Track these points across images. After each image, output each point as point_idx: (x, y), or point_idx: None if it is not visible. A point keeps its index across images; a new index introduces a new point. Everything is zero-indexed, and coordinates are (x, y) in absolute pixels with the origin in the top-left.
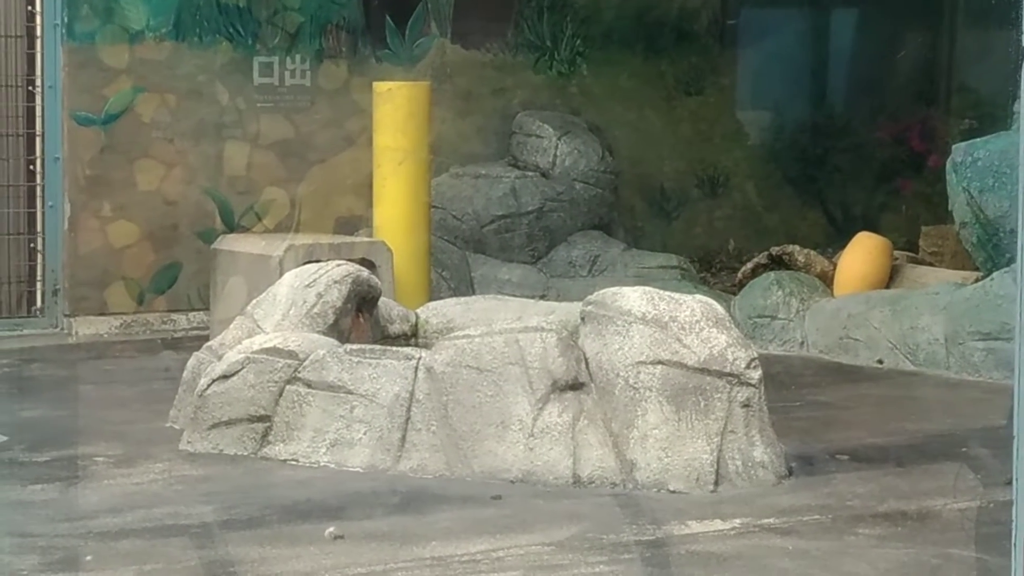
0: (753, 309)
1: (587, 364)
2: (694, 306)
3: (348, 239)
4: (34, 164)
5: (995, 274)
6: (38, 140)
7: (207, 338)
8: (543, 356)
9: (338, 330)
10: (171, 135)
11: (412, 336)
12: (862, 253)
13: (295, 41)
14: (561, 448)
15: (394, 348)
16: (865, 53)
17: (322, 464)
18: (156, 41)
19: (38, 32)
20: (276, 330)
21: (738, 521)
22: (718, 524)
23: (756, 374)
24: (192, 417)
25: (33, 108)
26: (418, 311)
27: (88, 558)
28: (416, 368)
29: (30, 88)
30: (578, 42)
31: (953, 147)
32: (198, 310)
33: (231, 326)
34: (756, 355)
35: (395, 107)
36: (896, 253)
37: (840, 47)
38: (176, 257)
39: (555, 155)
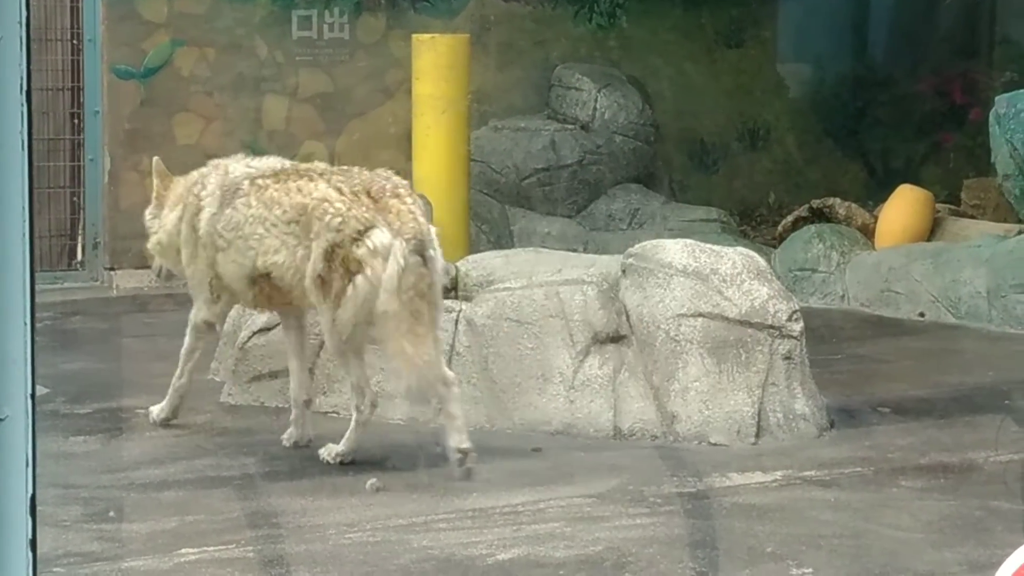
0: (794, 262)
1: (628, 317)
2: (735, 258)
3: None
4: (77, 117)
5: None
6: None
7: None
8: (584, 308)
9: None
10: (210, 89)
11: (452, 289)
12: (904, 206)
13: None
14: (602, 400)
15: None
16: (906, 5)
17: None
18: None
19: None
20: None
21: (779, 473)
22: (759, 476)
23: (798, 326)
24: (233, 370)
25: (77, 61)
26: (458, 264)
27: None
28: (457, 321)
29: (74, 42)
30: None
31: (996, 99)
32: None
33: None
34: (798, 307)
35: (437, 55)
36: (938, 206)
37: None
38: None
39: (595, 108)
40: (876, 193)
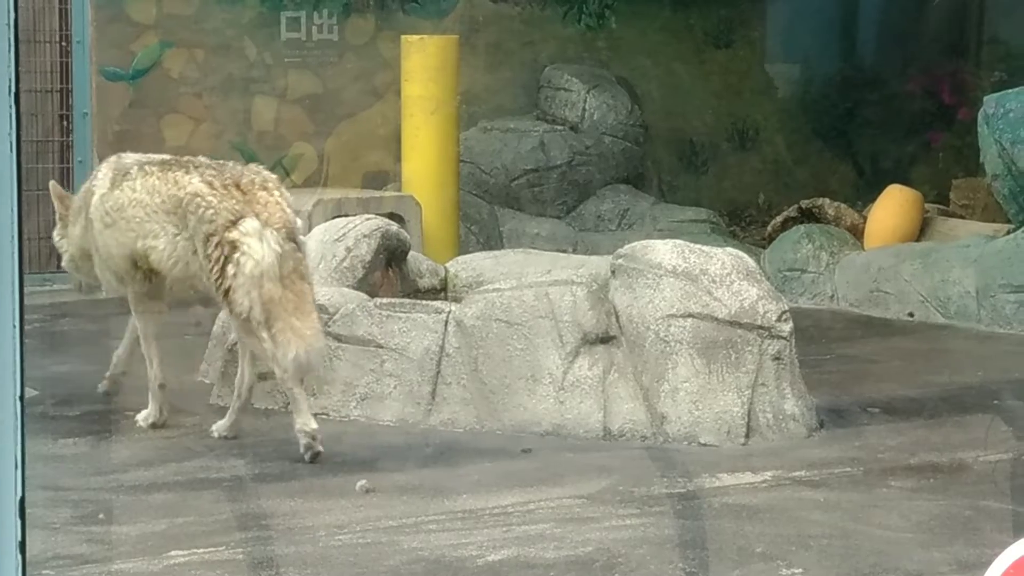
0: (783, 262)
1: (617, 317)
2: (725, 259)
3: (377, 193)
4: (66, 119)
5: None
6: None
7: None
8: (573, 309)
9: (367, 284)
10: (199, 90)
11: (441, 290)
12: (893, 206)
13: None
14: (591, 401)
15: (424, 302)
16: (895, 5)
17: (353, 418)
18: None
19: None
20: None
21: (769, 474)
22: (749, 477)
23: (787, 327)
24: (222, 371)
25: (66, 63)
26: (447, 265)
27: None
28: (446, 322)
29: (62, 43)
30: None
31: (984, 99)
32: None
33: None
34: (787, 308)
35: (426, 56)
36: (927, 206)
37: None
38: None
39: (584, 108)
40: (865, 193)
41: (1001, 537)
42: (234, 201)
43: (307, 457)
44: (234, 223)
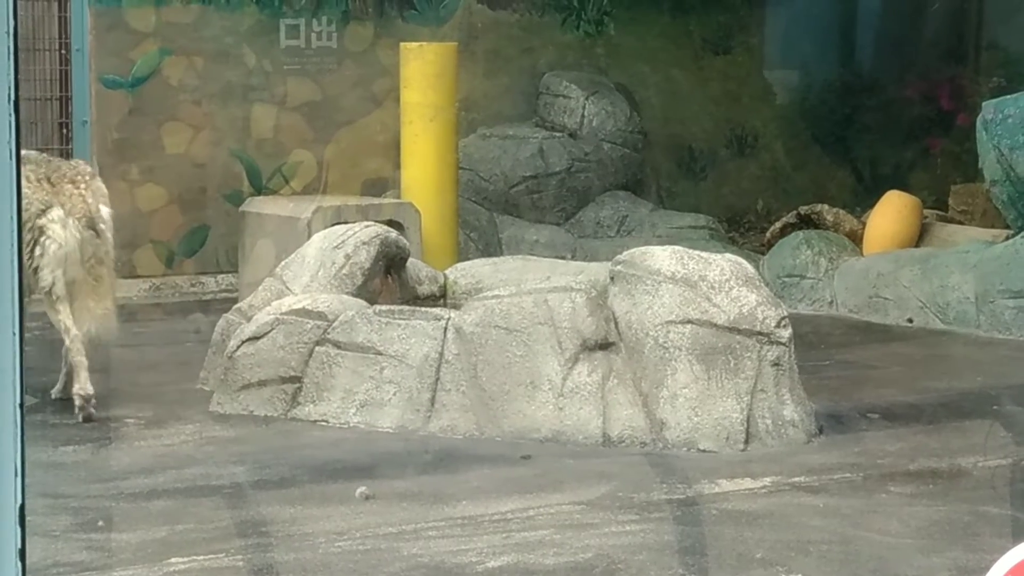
0: (782, 268)
1: (616, 324)
2: (724, 265)
3: (376, 200)
4: (66, 127)
5: None
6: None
7: (236, 300)
8: (572, 316)
9: (367, 291)
10: (198, 97)
11: (441, 297)
12: (891, 212)
13: (321, 3)
14: (591, 408)
15: (423, 309)
16: (893, 11)
17: (352, 425)
18: (183, 4)
19: None
20: (305, 291)
21: (768, 480)
22: (748, 483)
23: (786, 333)
24: (222, 379)
25: (65, 71)
26: (447, 272)
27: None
28: (445, 328)
29: (62, 52)
30: (605, 1)
31: (983, 104)
32: (227, 272)
33: (260, 288)
34: (786, 314)
35: (424, 63)
36: (926, 212)
37: (868, 5)
38: (204, 220)
39: (583, 115)
40: (864, 199)
41: (1000, 542)
42: (44, 193)
43: (80, 418)
44: (43, 211)
